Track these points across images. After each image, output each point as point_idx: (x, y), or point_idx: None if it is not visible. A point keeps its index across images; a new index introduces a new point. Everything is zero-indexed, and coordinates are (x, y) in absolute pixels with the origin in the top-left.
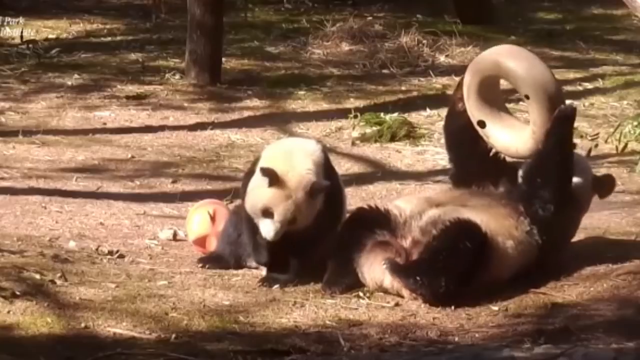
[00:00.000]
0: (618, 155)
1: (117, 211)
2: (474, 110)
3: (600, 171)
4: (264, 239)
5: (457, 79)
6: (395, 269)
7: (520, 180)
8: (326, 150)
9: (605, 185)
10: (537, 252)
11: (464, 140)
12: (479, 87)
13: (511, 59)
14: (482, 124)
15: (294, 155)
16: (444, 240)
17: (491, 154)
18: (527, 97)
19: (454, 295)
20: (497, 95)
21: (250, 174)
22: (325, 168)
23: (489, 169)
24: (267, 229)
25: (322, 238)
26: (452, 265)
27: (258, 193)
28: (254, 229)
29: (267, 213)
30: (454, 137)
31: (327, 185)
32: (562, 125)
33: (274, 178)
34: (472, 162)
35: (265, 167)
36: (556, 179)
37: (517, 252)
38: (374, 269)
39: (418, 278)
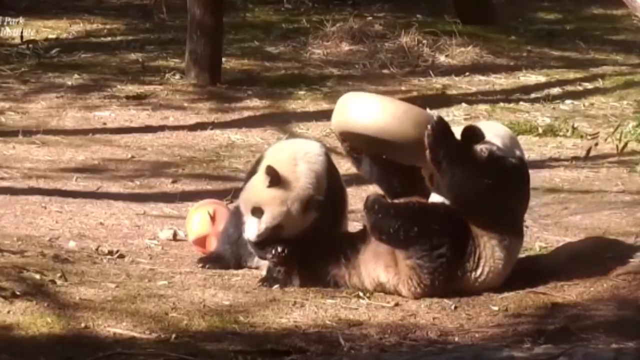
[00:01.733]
0: (618, 155)
1: (117, 211)
2: (369, 152)
3: (601, 171)
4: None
5: (457, 78)
6: (370, 201)
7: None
8: (329, 153)
9: (470, 136)
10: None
11: (380, 171)
12: (353, 141)
13: (347, 119)
14: (381, 156)
15: (299, 165)
16: (424, 204)
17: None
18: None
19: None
20: None
21: (252, 174)
22: (328, 173)
23: (418, 179)
24: (252, 228)
25: (323, 239)
26: (415, 218)
27: (255, 190)
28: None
29: (256, 212)
30: (370, 175)
31: (323, 202)
32: (441, 146)
33: (275, 180)
34: (400, 182)
35: (271, 166)
36: (484, 192)
37: (506, 251)
38: (371, 267)
39: (377, 207)
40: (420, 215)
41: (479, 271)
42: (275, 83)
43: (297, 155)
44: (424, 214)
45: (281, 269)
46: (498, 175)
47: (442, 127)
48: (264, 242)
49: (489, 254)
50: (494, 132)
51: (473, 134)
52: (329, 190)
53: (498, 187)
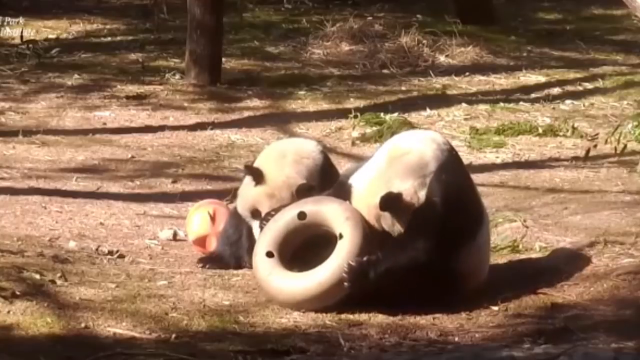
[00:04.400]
0: (618, 156)
1: (117, 211)
2: None
3: (601, 171)
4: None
5: (457, 78)
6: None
7: None
8: (325, 152)
9: (389, 206)
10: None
11: None
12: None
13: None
14: None
15: (286, 157)
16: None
17: None
18: None
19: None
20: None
21: None
22: (323, 168)
23: None
24: (257, 230)
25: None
26: (395, 277)
27: (245, 193)
28: (249, 231)
29: (255, 214)
30: None
31: (313, 187)
32: (367, 278)
33: (258, 177)
34: None
35: (250, 165)
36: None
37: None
38: None
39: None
40: (397, 271)
41: (466, 278)
42: (275, 83)
43: (287, 151)
44: (402, 269)
45: None
46: (434, 215)
47: (353, 276)
48: None
49: (468, 267)
50: (406, 163)
51: (391, 203)
52: (324, 183)
53: (440, 221)
